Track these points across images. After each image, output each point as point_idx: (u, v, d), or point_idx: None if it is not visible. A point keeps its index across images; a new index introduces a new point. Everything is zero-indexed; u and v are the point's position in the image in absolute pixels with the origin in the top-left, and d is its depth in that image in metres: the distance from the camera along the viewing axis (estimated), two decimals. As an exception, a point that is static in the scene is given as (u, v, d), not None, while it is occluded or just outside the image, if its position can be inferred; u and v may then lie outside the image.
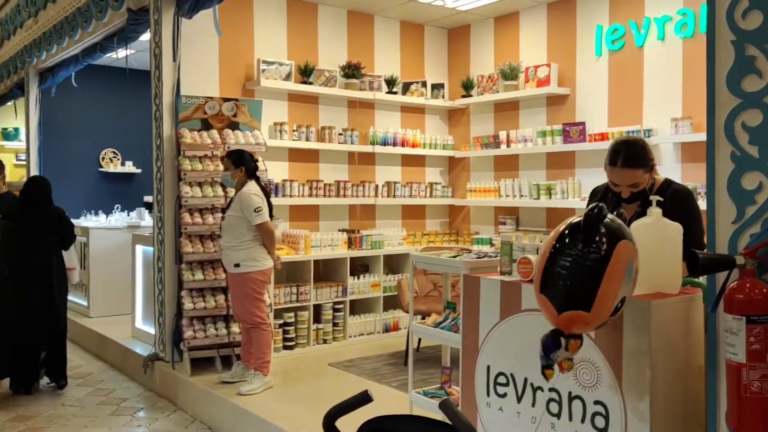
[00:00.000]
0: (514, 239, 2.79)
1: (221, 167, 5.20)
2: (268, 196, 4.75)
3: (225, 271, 4.83)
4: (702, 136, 5.01)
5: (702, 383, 2.27)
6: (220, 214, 5.14)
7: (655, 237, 2.29)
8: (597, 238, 1.87)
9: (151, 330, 5.65)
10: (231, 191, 5.09)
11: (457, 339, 2.87)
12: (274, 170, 5.94)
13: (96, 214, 8.57)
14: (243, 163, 4.68)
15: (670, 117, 5.16)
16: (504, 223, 6.60)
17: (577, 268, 1.84)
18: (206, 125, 5.38)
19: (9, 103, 9.30)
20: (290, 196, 6.03)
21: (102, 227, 7.56)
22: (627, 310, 2.19)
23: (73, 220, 8.61)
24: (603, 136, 5.59)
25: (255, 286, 4.60)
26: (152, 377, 5.39)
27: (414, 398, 3.14)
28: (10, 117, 9.43)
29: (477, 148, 6.79)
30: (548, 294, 1.90)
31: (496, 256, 2.99)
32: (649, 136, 5.27)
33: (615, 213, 2.89)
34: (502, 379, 2.60)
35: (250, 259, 4.55)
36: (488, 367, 2.66)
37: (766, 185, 1.84)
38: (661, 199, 2.37)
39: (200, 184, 5.20)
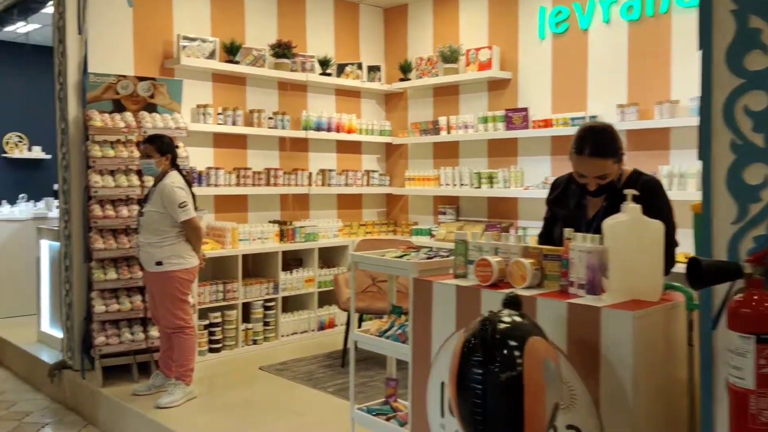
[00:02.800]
0: (470, 236, 2.48)
1: (136, 154, 4.68)
2: (190, 185, 4.28)
3: (142, 269, 4.34)
4: (648, 124, 4.87)
5: (684, 400, 2.03)
6: (135, 207, 4.62)
7: (633, 237, 2.03)
8: (499, 357, 1.65)
9: (59, 334, 5.07)
10: (148, 180, 4.59)
11: (406, 350, 2.54)
12: (196, 157, 5.43)
13: (-1, 204, 7.79)
14: (170, 150, 4.19)
15: (615, 103, 4.99)
16: (444, 213, 6.33)
17: (491, 396, 1.63)
18: (119, 107, 4.82)
19: None
20: (215, 185, 5.53)
21: (3, 219, 6.83)
22: (605, 323, 1.92)
23: (-27, 211, 7.85)
24: (546, 123, 5.38)
25: (180, 286, 4.13)
26: (60, 387, 4.83)
27: (357, 416, 2.79)
28: None
29: (415, 134, 6.48)
30: (467, 428, 1.68)
31: (448, 255, 2.67)
32: (594, 123, 5.08)
33: (576, 207, 2.64)
34: (458, 398, 2.28)
35: (174, 257, 4.08)
36: (442, 384, 2.34)
37: (775, 179, 1.57)
38: (637, 193, 2.11)
39: (112, 173, 4.65)
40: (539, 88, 5.61)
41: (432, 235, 6.16)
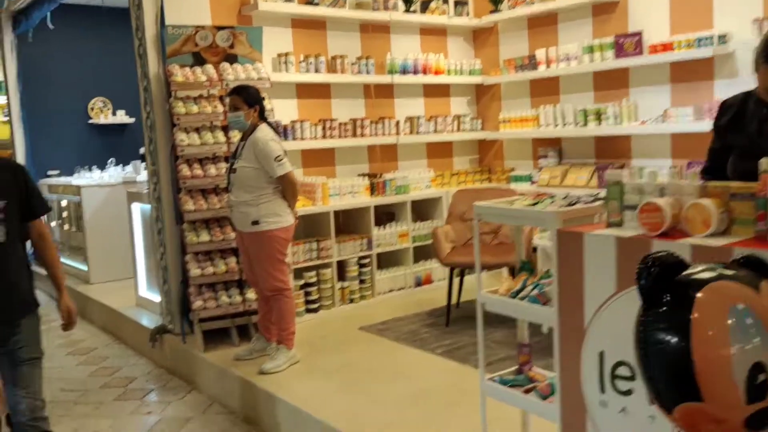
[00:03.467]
0: (625, 177, 2.05)
1: (220, 108, 4.43)
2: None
3: (234, 229, 4.12)
4: (796, 38, 4.17)
5: None
6: (224, 165, 4.39)
7: None
8: (663, 305, 1.30)
9: (157, 298, 5.00)
10: (234, 136, 4.34)
11: (548, 314, 2.16)
12: (280, 110, 5.14)
13: (90, 169, 7.85)
14: (257, 101, 3.90)
15: (750, 18, 4.30)
16: (545, 157, 5.81)
17: (655, 348, 1.30)
18: (199, 60, 4.57)
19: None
20: (301, 138, 5.25)
21: (95, 184, 6.85)
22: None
23: (65, 178, 7.96)
24: (665, 47, 4.73)
25: (279, 246, 3.88)
26: (162, 352, 4.78)
27: (487, 388, 2.46)
28: (-14, 69, 8.56)
29: (510, 71, 5.94)
30: (648, 386, 1.35)
31: (592, 201, 2.25)
32: (724, 42, 4.42)
33: (758, 133, 2.14)
34: (624, 371, 1.90)
35: (271, 215, 3.82)
36: (601, 354, 1.96)
37: None
38: None
39: (198, 130, 4.43)
40: (654, 7, 4.95)
41: (533, 182, 5.69)
